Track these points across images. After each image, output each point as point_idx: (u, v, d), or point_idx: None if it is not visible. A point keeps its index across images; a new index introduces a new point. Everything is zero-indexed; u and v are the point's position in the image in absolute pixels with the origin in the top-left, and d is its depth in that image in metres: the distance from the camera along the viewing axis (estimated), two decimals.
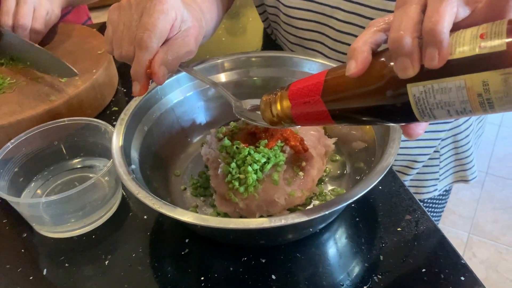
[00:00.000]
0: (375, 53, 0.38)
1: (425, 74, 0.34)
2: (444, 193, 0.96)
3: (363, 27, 0.71)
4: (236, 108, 0.57)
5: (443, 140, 0.84)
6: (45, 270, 0.55)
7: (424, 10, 0.34)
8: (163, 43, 0.50)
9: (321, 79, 0.42)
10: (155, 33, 0.48)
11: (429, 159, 0.87)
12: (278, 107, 0.47)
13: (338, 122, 0.44)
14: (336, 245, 0.56)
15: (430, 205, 0.96)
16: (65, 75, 0.77)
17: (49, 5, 0.87)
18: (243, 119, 0.56)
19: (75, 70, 0.75)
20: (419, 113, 0.36)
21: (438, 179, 0.90)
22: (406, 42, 0.33)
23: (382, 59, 0.37)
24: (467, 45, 0.32)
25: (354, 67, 0.37)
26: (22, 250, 0.58)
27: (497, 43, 0.31)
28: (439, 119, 0.36)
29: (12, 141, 0.62)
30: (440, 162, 0.88)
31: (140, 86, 0.51)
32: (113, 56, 0.54)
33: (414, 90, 0.35)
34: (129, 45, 0.50)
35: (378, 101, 0.38)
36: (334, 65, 0.65)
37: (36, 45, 0.81)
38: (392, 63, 0.35)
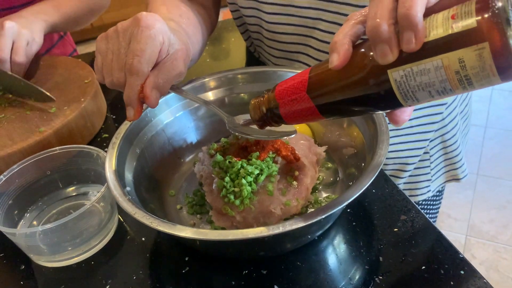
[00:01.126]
0: (355, 45, 0.40)
1: (403, 59, 0.36)
2: (438, 193, 0.98)
3: None
4: (229, 123, 0.58)
5: (431, 140, 0.86)
6: None
7: None
8: (153, 67, 0.51)
9: (306, 76, 0.44)
10: (144, 58, 0.49)
11: (420, 160, 0.88)
12: (266, 108, 0.49)
13: (327, 116, 0.45)
14: (335, 251, 0.56)
15: (425, 206, 0.97)
16: (41, 100, 0.78)
17: (29, 34, 0.86)
18: (237, 134, 0.57)
19: (51, 96, 0.77)
20: (402, 97, 0.38)
21: (430, 180, 0.91)
22: (383, 29, 0.35)
23: (362, 49, 0.39)
24: (440, 27, 0.34)
25: (336, 60, 0.38)
26: (21, 282, 0.57)
27: (467, 22, 0.32)
28: (422, 101, 0.38)
29: (4, 173, 0.61)
30: (431, 162, 0.89)
31: (134, 111, 0.51)
32: (102, 85, 0.55)
33: (395, 75, 0.37)
34: (120, 72, 0.50)
35: (362, 90, 0.40)
36: None
37: (9, 72, 0.81)
38: (372, 52, 0.37)
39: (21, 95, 0.80)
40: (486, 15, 0.32)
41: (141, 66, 0.48)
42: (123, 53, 0.50)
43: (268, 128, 0.54)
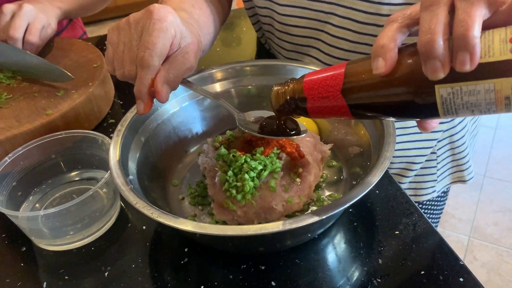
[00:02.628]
0: (400, 50, 0.38)
1: (454, 76, 0.35)
2: (442, 194, 0.97)
3: (356, 32, 0.72)
4: (240, 121, 0.57)
5: (439, 141, 0.85)
6: (45, 284, 0.55)
7: (451, 10, 0.34)
8: (164, 61, 0.51)
9: (340, 74, 0.42)
10: (155, 51, 0.48)
11: (426, 160, 0.87)
12: (291, 98, 0.47)
13: (356, 117, 0.44)
14: (335, 250, 0.56)
15: (429, 207, 0.96)
16: (59, 80, 0.78)
17: (45, 19, 0.88)
18: (247, 131, 0.56)
19: (69, 74, 0.76)
20: (442, 111, 0.37)
21: (436, 180, 0.90)
22: (438, 45, 0.34)
23: (409, 57, 0.37)
24: (497, 49, 0.33)
25: (382, 66, 0.37)
26: (22, 264, 0.58)
27: None
28: (460, 116, 0.37)
29: (9, 155, 0.62)
30: (437, 163, 0.88)
31: (144, 105, 0.51)
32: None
33: (442, 91, 0.36)
34: (131, 65, 0.50)
35: (402, 99, 0.38)
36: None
37: (27, 51, 0.82)
38: (419, 63, 0.36)
39: (37, 75, 0.80)
40: None
41: (152, 60, 0.48)
42: (135, 45, 0.50)
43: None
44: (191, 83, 0.58)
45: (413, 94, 0.38)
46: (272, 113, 0.54)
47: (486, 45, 0.34)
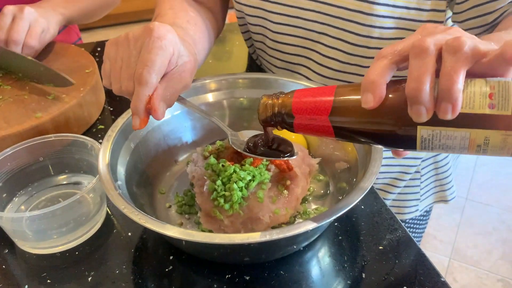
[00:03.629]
0: (388, 85, 0.40)
1: (436, 120, 0.38)
2: (425, 213, 0.99)
3: (347, 53, 0.74)
4: (233, 140, 0.58)
5: (423, 160, 0.87)
6: (26, 287, 0.54)
7: (439, 58, 0.37)
8: (161, 78, 0.51)
9: (330, 99, 0.44)
10: (154, 68, 0.49)
11: (411, 179, 0.89)
12: (278, 113, 0.49)
13: (339, 139, 0.46)
14: (319, 263, 0.57)
15: (412, 225, 0.98)
16: (60, 85, 0.78)
17: (45, 23, 0.88)
18: (239, 150, 0.57)
19: (71, 80, 0.77)
20: (420, 147, 0.41)
21: (419, 199, 0.92)
22: (424, 93, 0.36)
23: (396, 95, 0.40)
24: (477, 102, 0.37)
25: (371, 101, 0.39)
26: (3, 266, 0.57)
27: (504, 108, 0.36)
28: (434, 152, 0.40)
29: None
30: (421, 182, 0.90)
31: (140, 120, 0.51)
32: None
33: (423, 132, 0.39)
34: (129, 81, 0.50)
35: (386, 131, 0.42)
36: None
37: (29, 57, 0.82)
38: (405, 102, 0.38)
39: (40, 81, 0.81)
40: None
41: (150, 77, 0.49)
42: (133, 62, 0.50)
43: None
44: (186, 100, 0.59)
45: (396, 129, 0.41)
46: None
47: (468, 96, 0.37)
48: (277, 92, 0.50)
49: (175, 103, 0.56)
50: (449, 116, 0.36)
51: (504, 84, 0.37)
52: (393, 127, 0.41)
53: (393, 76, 0.41)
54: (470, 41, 0.36)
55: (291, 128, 0.49)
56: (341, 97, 0.44)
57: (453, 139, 0.38)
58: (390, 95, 0.40)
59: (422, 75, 0.37)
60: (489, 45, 0.38)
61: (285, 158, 0.57)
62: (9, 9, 0.85)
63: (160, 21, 0.67)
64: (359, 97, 0.41)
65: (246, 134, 0.60)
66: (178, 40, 0.52)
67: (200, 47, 0.69)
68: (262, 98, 0.51)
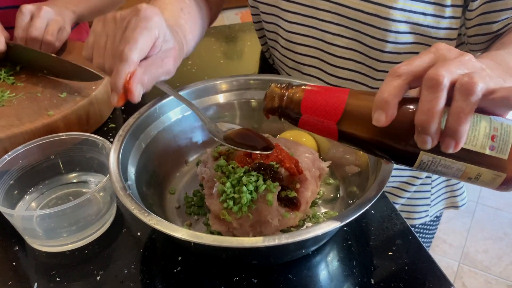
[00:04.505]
0: (399, 104, 0.41)
1: (438, 150, 0.40)
2: (435, 219, 0.97)
3: (362, 53, 0.74)
4: (211, 129, 0.59)
5: None
6: (35, 284, 0.55)
7: (450, 90, 0.38)
8: (143, 60, 0.51)
9: (341, 105, 0.45)
10: (136, 46, 0.49)
11: (421, 184, 0.88)
12: (287, 108, 0.48)
13: (341, 142, 0.47)
14: (328, 268, 0.56)
15: (421, 230, 0.97)
16: (88, 79, 0.79)
17: (62, 21, 0.90)
18: (216, 139, 0.57)
19: (99, 73, 0.78)
20: (417, 167, 0.43)
21: (429, 204, 0.91)
22: (432, 126, 0.38)
23: (406, 118, 0.41)
24: (479, 141, 0.39)
25: (383, 120, 0.40)
26: (14, 263, 0.57)
27: (502, 151, 0.39)
28: (426, 173, 0.42)
29: (9, 153, 0.62)
30: (432, 188, 0.89)
31: (118, 97, 0.51)
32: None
33: (424, 157, 0.42)
34: (113, 59, 0.51)
35: (389, 146, 0.43)
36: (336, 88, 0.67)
37: (53, 55, 0.84)
38: (413, 126, 0.40)
39: (67, 77, 0.82)
40: None
41: (131, 54, 0.49)
42: (118, 40, 0.50)
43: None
44: (165, 85, 0.58)
45: (400, 148, 0.43)
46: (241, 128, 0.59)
47: (472, 133, 0.39)
48: (286, 83, 0.50)
49: (190, 97, 0.56)
50: (451, 151, 0.38)
51: (506, 128, 0.39)
52: (397, 146, 0.43)
53: None
54: (482, 83, 0.37)
55: (295, 123, 0.49)
56: (353, 107, 0.44)
57: (449, 168, 0.41)
58: (400, 116, 0.41)
59: (432, 109, 0.38)
60: (499, 82, 0.39)
61: (261, 152, 0.57)
62: (27, 8, 0.87)
63: (154, 3, 0.68)
64: (371, 111, 0.41)
65: (225, 126, 0.60)
66: (165, 24, 0.52)
67: (190, 36, 0.69)
68: (270, 86, 0.50)
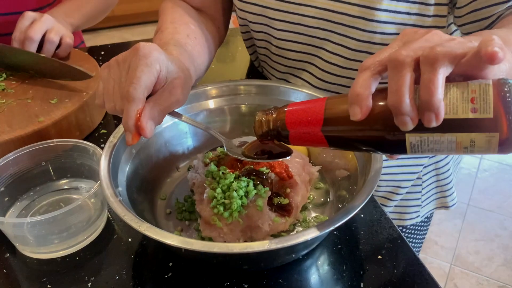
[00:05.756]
0: (375, 95, 0.41)
1: (422, 128, 0.39)
2: (426, 220, 0.99)
3: (348, 58, 0.74)
4: (228, 146, 0.59)
5: (425, 167, 0.87)
6: None
7: (416, 68, 0.38)
8: (151, 95, 0.52)
9: (320, 112, 0.46)
10: (140, 84, 0.50)
11: (412, 185, 0.89)
12: (275, 129, 0.51)
13: (333, 147, 0.48)
14: (318, 272, 0.57)
15: (412, 231, 0.98)
16: (78, 78, 0.80)
17: (63, 29, 0.92)
18: (235, 156, 0.58)
19: (89, 72, 0.78)
20: (410, 150, 0.42)
21: (420, 205, 0.92)
22: (405, 105, 0.38)
23: (383, 105, 0.41)
24: (459, 107, 0.38)
25: (359, 113, 0.40)
26: (4, 271, 0.57)
27: (485, 112, 0.37)
28: (424, 155, 0.41)
29: None
30: (422, 188, 0.90)
31: (132, 136, 0.52)
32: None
33: (411, 139, 0.41)
34: (121, 100, 0.51)
35: (376, 139, 0.43)
36: (319, 95, 0.68)
37: (41, 54, 0.84)
38: (391, 113, 0.39)
39: (56, 77, 0.83)
40: (502, 109, 0.37)
41: (136, 93, 0.49)
42: (123, 81, 0.51)
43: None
44: (180, 115, 0.59)
45: (386, 137, 0.42)
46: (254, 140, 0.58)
47: (450, 102, 0.38)
48: (270, 108, 0.52)
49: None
50: (434, 124, 0.37)
51: (485, 87, 0.38)
52: (382, 135, 0.42)
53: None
54: (445, 48, 0.37)
55: (286, 140, 0.51)
56: (331, 110, 0.46)
57: (440, 144, 0.40)
58: (377, 105, 0.41)
59: (400, 88, 0.38)
60: (467, 43, 0.38)
61: (282, 159, 0.57)
62: (29, 14, 0.89)
63: (160, 36, 0.69)
64: (348, 108, 0.42)
65: (240, 140, 0.61)
66: (165, 57, 0.53)
67: (198, 61, 0.69)
68: (257, 115, 0.53)
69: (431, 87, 0.36)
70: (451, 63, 0.37)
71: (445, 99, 0.38)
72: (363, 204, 0.49)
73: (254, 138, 0.59)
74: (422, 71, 0.38)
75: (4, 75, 0.86)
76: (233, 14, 0.92)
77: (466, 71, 0.38)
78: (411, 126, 0.38)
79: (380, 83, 0.42)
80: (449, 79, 0.38)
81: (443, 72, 0.37)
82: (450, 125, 0.38)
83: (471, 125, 0.38)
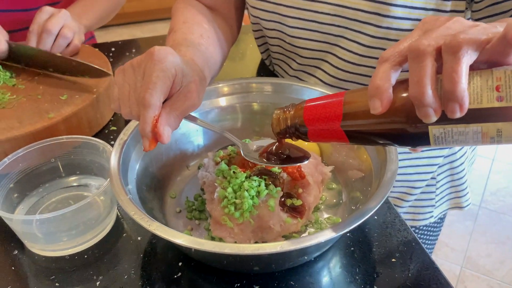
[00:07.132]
0: (395, 87, 0.40)
1: (445, 119, 0.37)
2: (439, 220, 0.97)
3: (363, 55, 0.73)
4: (244, 151, 0.58)
5: (440, 166, 0.86)
6: None
7: (438, 57, 0.36)
8: (168, 100, 0.51)
9: (339, 107, 0.44)
10: (156, 90, 0.49)
11: (426, 185, 0.88)
12: (293, 126, 0.50)
13: (353, 143, 0.47)
14: (330, 274, 0.56)
15: (425, 232, 0.97)
16: (95, 76, 0.80)
17: (77, 27, 0.93)
18: (252, 160, 0.57)
19: (106, 70, 0.79)
20: (434, 143, 0.40)
21: (434, 205, 0.91)
22: (427, 96, 0.36)
23: (404, 98, 0.40)
24: (484, 96, 0.36)
25: (379, 106, 0.39)
26: (12, 268, 0.57)
27: None
28: (449, 146, 0.39)
29: (9, 156, 0.61)
30: (437, 188, 0.89)
31: (149, 142, 0.51)
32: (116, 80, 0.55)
33: (435, 131, 0.39)
34: (138, 106, 0.51)
35: (398, 133, 0.42)
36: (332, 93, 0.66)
37: (58, 54, 0.85)
38: (413, 105, 0.38)
39: (72, 74, 0.83)
40: None
41: (152, 99, 0.48)
42: (139, 87, 0.50)
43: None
44: (196, 118, 0.58)
45: (408, 130, 0.41)
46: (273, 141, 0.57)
47: (474, 91, 0.36)
48: (288, 105, 0.51)
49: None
50: (458, 115, 0.36)
51: (510, 74, 0.36)
52: (404, 128, 0.41)
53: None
54: (468, 35, 0.35)
55: (305, 137, 0.50)
56: (350, 104, 0.44)
57: (465, 135, 0.38)
58: (398, 97, 0.40)
59: (421, 79, 0.36)
60: (491, 29, 0.36)
61: (299, 164, 0.56)
62: (47, 9, 0.89)
63: (173, 37, 0.68)
64: (367, 102, 0.40)
65: (255, 144, 0.59)
66: (180, 61, 0.52)
67: (212, 61, 0.68)
68: (274, 112, 0.52)
69: (455, 76, 0.35)
70: (475, 51, 0.36)
71: (468, 88, 0.36)
72: (378, 206, 0.48)
73: (270, 140, 0.58)
74: (444, 60, 0.36)
75: (13, 74, 0.86)
76: (244, 12, 0.91)
77: (490, 58, 0.37)
78: (434, 118, 0.37)
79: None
80: (472, 67, 0.36)
81: (466, 61, 0.35)
82: (475, 115, 0.37)
83: (497, 114, 0.36)
